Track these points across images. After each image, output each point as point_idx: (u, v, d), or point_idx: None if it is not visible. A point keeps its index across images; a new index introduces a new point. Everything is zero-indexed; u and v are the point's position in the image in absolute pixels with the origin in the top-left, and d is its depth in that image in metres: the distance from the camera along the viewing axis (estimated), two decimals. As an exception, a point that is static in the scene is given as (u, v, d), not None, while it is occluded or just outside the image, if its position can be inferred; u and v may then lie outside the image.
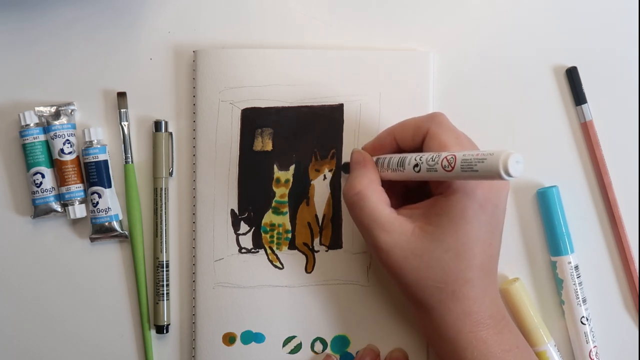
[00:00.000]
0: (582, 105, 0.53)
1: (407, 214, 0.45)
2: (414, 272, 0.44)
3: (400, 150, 0.47)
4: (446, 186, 0.44)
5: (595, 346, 0.52)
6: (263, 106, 0.52)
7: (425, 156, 0.43)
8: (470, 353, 0.44)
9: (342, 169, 0.52)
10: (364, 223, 0.45)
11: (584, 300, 0.52)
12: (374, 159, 0.48)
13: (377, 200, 0.45)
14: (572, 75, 0.53)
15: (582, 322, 0.52)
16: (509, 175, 0.37)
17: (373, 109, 0.52)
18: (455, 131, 0.45)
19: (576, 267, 0.52)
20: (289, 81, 0.52)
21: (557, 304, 0.53)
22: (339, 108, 0.52)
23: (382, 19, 0.54)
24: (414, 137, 0.46)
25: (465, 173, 0.40)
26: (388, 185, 0.47)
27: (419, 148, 0.46)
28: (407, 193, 0.49)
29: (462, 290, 0.44)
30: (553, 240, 0.52)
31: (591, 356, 0.52)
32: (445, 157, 0.41)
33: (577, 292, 0.52)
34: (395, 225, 0.44)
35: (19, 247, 0.54)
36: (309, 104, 0.52)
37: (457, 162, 0.40)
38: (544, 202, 0.52)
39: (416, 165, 0.43)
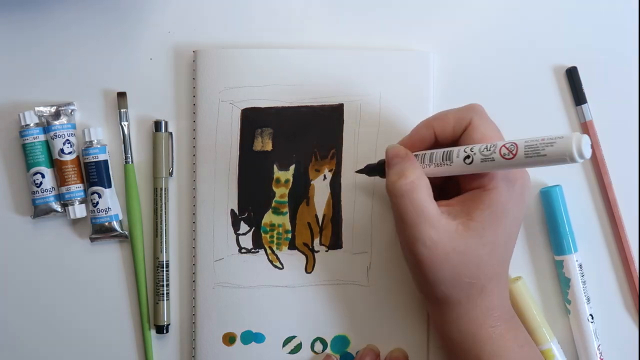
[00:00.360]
0: (582, 105, 0.53)
1: (445, 210, 0.44)
2: (452, 269, 0.44)
3: (437, 144, 0.46)
4: (488, 179, 0.44)
5: (599, 344, 0.52)
6: (263, 106, 0.52)
7: (478, 147, 0.43)
8: (490, 347, 0.44)
9: (368, 171, 0.50)
10: (411, 215, 0.43)
11: (589, 299, 0.52)
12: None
13: (427, 193, 0.44)
14: (572, 75, 0.53)
15: (589, 321, 0.52)
16: (582, 157, 0.38)
17: (373, 109, 0.52)
18: (494, 124, 0.45)
19: (580, 266, 0.52)
20: (289, 81, 0.52)
21: (559, 302, 0.53)
22: (339, 108, 0.52)
23: (382, 19, 0.54)
24: (454, 129, 0.45)
25: (530, 159, 0.40)
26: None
27: (456, 141, 0.45)
28: (438, 189, 0.47)
29: (490, 286, 0.44)
30: (558, 239, 0.52)
31: (598, 354, 0.52)
32: (504, 145, 0.41)
33: (583, 290, 0.52)
34: (442, 222, 0.43)
35: (19, 247, 0.54)
36: (309, 104, 0.52)
37: (519, 149, 0.40)
38: (548, 202, 0.52)
39: (467, 157, 0.43)
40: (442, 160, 0.44)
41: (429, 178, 0.45)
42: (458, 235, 0.43)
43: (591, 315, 0.52)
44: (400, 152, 0.46)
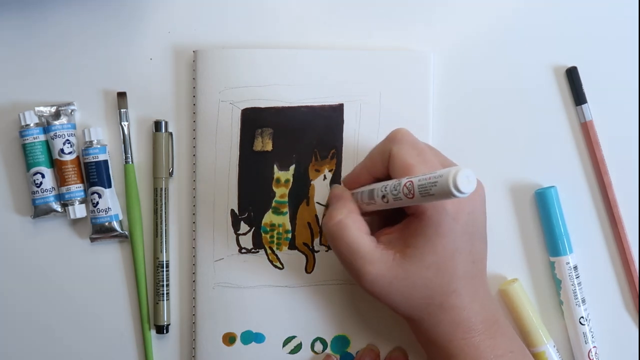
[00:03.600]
0: (582, 105, 0.53)
1: (386, 240, 0.45)
2: (400, 294, 0.44)
3: (377, 180, 0.46)
4: (415, 207, 0.44)
5: (594, 346, 0.52)
6: (263, 106, 0.52)
7: (389, 186, 0.43)
8: (458, 358, 0.44)
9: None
10: (345, 254, 0.45)
11: (583, 301, 0.52)
12: (352, 193, 0.48)
13: (357, 230, 0.45)
14: (572, 75, 0.53)
15: (580, 323, 0.52)
16: (460, 192, 0.37)
17: (373, 109, 0.52)
18: (418, 146, 0.44)
19: (575, 268, 0.52)
20: (289, 81, 0.52)
21: (557, 304, 0.53)
22: (339, 108, 0.52)
23: (382, 19, 0.54)
24: (383, 164, 0.45)
25: (425, 198, 0.40)
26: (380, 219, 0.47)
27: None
28: (386, 214, 0.47)
29: (448, 301, 0.44)
30: (552, 240, 0.52)
31: (590, 356, 0.52)
32: (405, 185, 0.41)
33: (575, 292, 0.52)
34: (376, 255, 0.44)
35: (19, 247, 0.54)
36: (309, 104, 0.52)
37: (415, 188, 0.40)
38: (543, 203, 0.52)
39: (383, 196, 0.43)
40: (368, 199, 0.45)
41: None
42: (396, 264, 0.44)
43: (584, 317, 0.52)
44: (337, 192, 0.48)
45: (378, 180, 0.46)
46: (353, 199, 0.47)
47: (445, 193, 0.38)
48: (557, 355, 0.52)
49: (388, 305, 0.46)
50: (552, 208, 0.52)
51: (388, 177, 0.45)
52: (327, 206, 0.51)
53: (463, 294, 0.44)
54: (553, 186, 0.52)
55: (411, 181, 0.41)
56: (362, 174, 0.47)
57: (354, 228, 0.45)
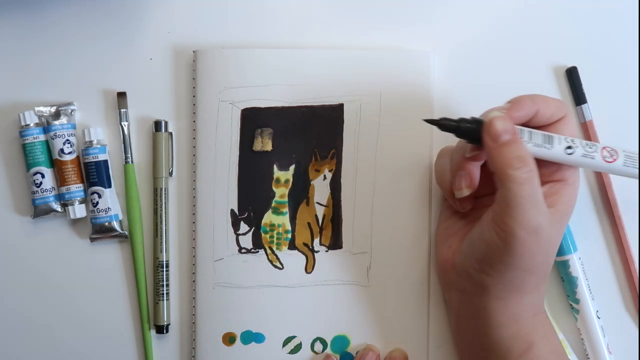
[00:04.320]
0: (582, 105, 0.53)
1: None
2: (545, 254, 0.45)
3: (527, 124, 0.45)
4: (569, 174, 0.46)
5: (607, 342, 0.52)
6: (263, 106, 0.52)
7: (578, 141, 0.44)
8: (542, 332, 0.46)
9: (442, 126, 0.45)
10: (526, 203, 0.42)
11: (593, 297, 0.52)
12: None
13: (539, 180, 0.44)
14: (572, 75, 0.53)
15: (597, 317, 0.52)
16: None
17: (373, 109, 0.52)
18: None
19: (582, 264, 0.52)
20: (289, 81, 0.52)
21: (561, 303, 0.53)
22: (339, 108, 0.52)
23: (382, 19, 0.54)
24: (553, 115, 0.46)
25: (627, 169, 0.43)
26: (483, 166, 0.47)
27: (541, 128, 0.46)
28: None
29: (547, 274, 0.46)
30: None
31: (609, 350, 0.52)
32: (604, 148, 0.43)
33: (590, 287, 0.52)
34: (545, 209, 0.44)
35: (19, 247, 0.54)
36: (309, 104, 0.52)
37: (619, 156, 0.43)
38: None
39: (569, 147, 0.44)
40: (542, 142, 0.45)
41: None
42: (554, 223, 0.45)
43: (598, 310, 0.52)
44: (509, 128, 0.44)
45: (527, 125, 0.45)
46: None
47: None
48: (570, 348, 0.52)
49: (524, 267, 0.44)
50: None
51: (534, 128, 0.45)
52: (439, 125, 0.45)
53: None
54: None
55: (614, 149, 0.44)
56: (530, 111, 0.45)
57: (538, 178, 0.43)
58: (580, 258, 0.52)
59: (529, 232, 0.43)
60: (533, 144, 0.44)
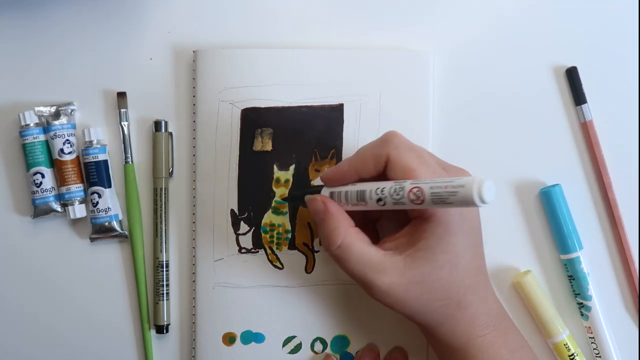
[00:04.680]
0: (582, 105, 0.53)
1: (392, 246, 0.45)
2: (417, 299, 0.44)
3: (362, 180, 0.46)
4: (421, 210, 0.43)
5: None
6: (263, 106, 0.52)
7: (387, 189, 0.42)
8: (480, 359, 0.44)
9: (290, 200, 0.52)
10: (355, 272, 0.44)
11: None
12: (329, 192, 0.46)
13: (361, 245, 0.44)
14: (572, 75, 0.53)
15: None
16: (484, 203, 0.37)
17: (373, 109, 0.52)
18: (416, 149, 0.44)
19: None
20: (289, 81, 0.52)
21: (566, 301, 0.53)
22: (339, 108, 0.52)
23: (382, 19, 0.54)
24: (375, 167, 0.44)
25: (437, 205, 0.39)
26: (359, 218, 0.46)
27: (382, 175, 0.44)
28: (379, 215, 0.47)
29: (466, 299, 0.44)
30: (563, 238, 0.52)
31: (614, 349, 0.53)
32: (411, 190, 0.40)
33: (599, 284, 0.52)
34: (386, 264, 0.43)
35: (19, 247, 0.54)
36: (309, 104, 0.52)
37: (425, 195, 0.40)
38: (549, 202, 0.52)
39: (380, 199, 0.42)
40: (357, 201, 0.44)
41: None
42: (408, 269, 0.43)
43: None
44: (320, 207, 0.45)
45: (362, 180, 0.45)
46: (339, 209, 0.45)
47: (467, 202, 0.38)
48: (574, 345, 0.52)
49: (406, 315, 0.45)
50: (560, 206, 0.52)
51: (374, 178, 0.45)
52: (297, 202, 0.50)
53: (477, 289, 0.45)
54: (557, 184, 0.52)
55: (419, 187, 0.40)
56: (349, 173, 0.45)
57: (357, 245, 0.44)
58: (588, 255, 0.52)
59: (378, 294, 0.44)
60: (351, 204, 0.45)
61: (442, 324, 0.45)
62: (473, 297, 0.44)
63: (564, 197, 0.52)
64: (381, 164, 0.44)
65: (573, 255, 0.52)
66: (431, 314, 0.44)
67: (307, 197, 0.47)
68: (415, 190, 0.40)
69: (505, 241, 0.53)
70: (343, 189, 0.45)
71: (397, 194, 0.41)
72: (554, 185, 0.52)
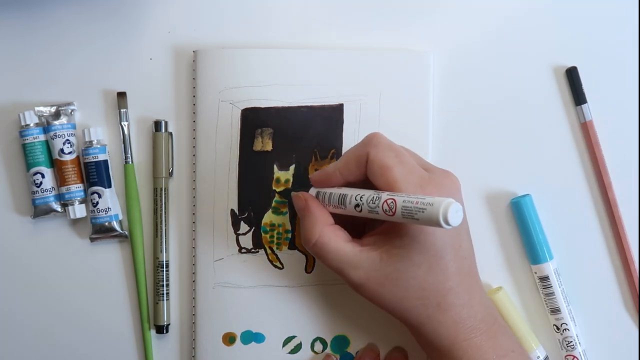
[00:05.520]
0: (582, 105, 0.53)
1: (371, 241, 0.45)
2: (393, 296, 0.44)
3: (348, 183, 0.46)
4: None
5: (583, 349, 0.52)
6: (263, 106, 0.52)
7: (366, 197, 0.43)
8: None
9: (288, 194, 0.52)
10: (333, 266, 0.45)
11: (568, 304, 0.52)
12: (315, 192, 0.48)
13: (336, 242, 0.45)
14: (572, 75, 0.53)
15: (566, 327, 0.52)
16: (448, 225, 0.38)
17: (373, 109, 0.52)
18: (395, 148, 0.45)
19: (556, 272, 0.52)
20: (289, 81, 0.52)
21: (540, 311, 0.53)
22: (339, 108, 0.52)
23: (382, 19, 0.54)
24: (358, 168, 0.45)
25: (406, 219, 0.40)
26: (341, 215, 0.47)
27: (368, 180, 0.45)
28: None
29: (446, 300, 0.44)
30: (533, 248, 0.52)
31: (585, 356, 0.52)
32: (386, 201, 0.41)
33: (564, 296, 0.52)
34: (362, 259, 0.44)
35: (19, 247, 0.54)
36: (309, 104, 0.52)
37: (397, 207, 0.40)
38: (519, 212, 0.52)
39: (357, 205, 0.43)
40: (338, 204, 0.45)
41: None
42: (384, 265, 0.44)
43: (573, 319, 0.52)
44: (301, 204, 0.47)
45: (349, 184, 0.46)
46: (320, 206, 0.47)
47: (432, 222, 0.38)
48: None
49: (387, 311, 0.46)
50: (529, 216, 0.52)
51: (359, 182, 0.45)
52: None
53: (460, 292, 0.44)
54: (527, 194, 0.52)
55: (393, 199, 0.41)
56: (334, 176, 0.46)
57: (333, 242, 0.45)
58: (553, 267, 0.52)
59: (355, 288, 0.45)
60: (333, 206, 0.46)
61: (422, 324, 0.45)
62: (455, 299, 0.44)
63: (534, 206, 0.52)
64: (363, 164, 0.45)
65: (539, 266, 0.52)
66: (410, 312, 0.44)
67: (293, 194, 0.49)
68: (389, 201, 0.41)
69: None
70: (329, 190, 0.47)
71: (373, 203, 0.42)
72: (524, 196, 0.52)
